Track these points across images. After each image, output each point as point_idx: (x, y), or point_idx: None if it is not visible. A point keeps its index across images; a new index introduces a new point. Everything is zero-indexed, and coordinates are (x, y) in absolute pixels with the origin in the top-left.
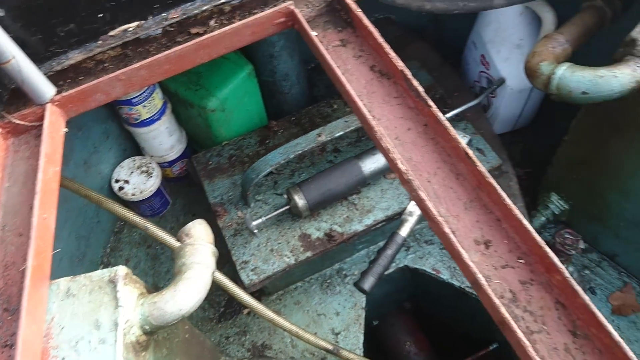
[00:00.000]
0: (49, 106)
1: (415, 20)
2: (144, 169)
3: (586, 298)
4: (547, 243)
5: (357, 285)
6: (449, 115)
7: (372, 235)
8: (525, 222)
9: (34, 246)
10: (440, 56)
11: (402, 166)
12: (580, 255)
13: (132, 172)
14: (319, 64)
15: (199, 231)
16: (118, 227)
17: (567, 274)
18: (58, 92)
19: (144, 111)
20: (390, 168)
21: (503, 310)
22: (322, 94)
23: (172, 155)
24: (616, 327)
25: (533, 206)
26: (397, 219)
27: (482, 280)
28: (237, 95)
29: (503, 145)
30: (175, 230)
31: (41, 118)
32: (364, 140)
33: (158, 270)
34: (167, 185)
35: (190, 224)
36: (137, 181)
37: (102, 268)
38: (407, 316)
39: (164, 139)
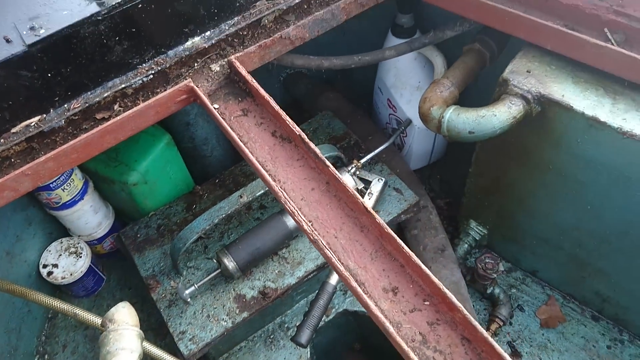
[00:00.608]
0: None
1: (326, 73)
2: (73, 249)
3: (484, 332)
4: (472, 269)
5: (294, 339)
6: (364, 159)
7: (307, 285)
8: (424, 266)
9: None
10: (351, 104)
11: (307, 227)
12: (505, 275)
13: (60, 255)
14: None
15: (123, 315)
16: (52, 313)
17: (466, 312)
18: None
19: (64, 194)
20: (298, 227)
21: (413, 355)
22: None
23: (101, 232)
24: (546, 340)
25: (457, 234)
26: (327, 267)
27: (391, 329)
28: (158, 165)
29: (421, 180)
30: (112, 306)
31: None
32: None
33: (98, 352)
34: (100, 262)
35: (113, 309)
36: (67, 263)
37: (38, 358)
38: (358, 356)
39: (90, 217)
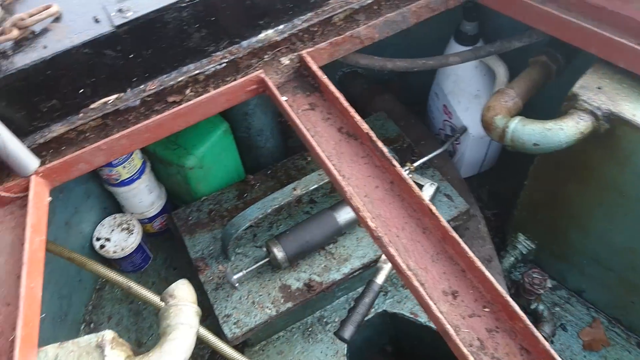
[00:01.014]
0: (33, 178)
1: (380, 73)
2: (125, 226)
3: (546, 344)
4: (517, 283)
5: (338, 334)
6: (417, 163)
7: (351, 282)
8: (487, 272)
9: (22, 316)
10: (405, 107)
11: (372, 224)
12: (550, 293)
13: (112, 230)
14: None
15: (183, 291)
16: (100, 284)
17: (528, 322)
18: (42, 164)
19: (124, 172)
20: (361, 223)
21: (472, 358)
22: (297, 144)
23: (152, 212)
24: None
25: (503, 246)
26: (373, 266)
27: (451, 331)
28: (214, 152)
29: (470, 189)
30: (157, 285)
31: (26, 189)
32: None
33: (141, 326)
34: (148, 240)
35: (173, 285)
36: (118, 238)
37: (84, 326)
38: (389, 359)
39: (144, 196)
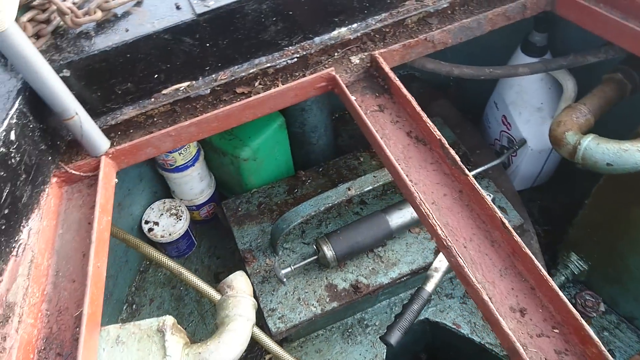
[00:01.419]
0: (103, 158)
1: (438, 78)
2: (174, 211)
3: None
4: None
5: (384, 339)
6: (473, 173)
7: (395, 287)
8: (560, 292)
9: (89, 294)
10: (461, 114)
11: (441, 232)
12: (599, 317)
13: (161, 214)
14: (343, 113)
15: (241, 283)
16: (144, 266)
17: (602, 347)
18: (111, 145)
19: (179, 158)
20: (428, 232)
21: None
22: (346, 143)
23: (201, 199)
24: None
25: (552, 264)
26: (421, 272)
27: (520, 349)
28: (268, 145)
29: (523, 203)
30: (200, 272)
31: (95, 169)
32: (389, 193)
33: (182, 312)
34: (194, 227)
35: (232, 276)
36: (167, 223)
37: (127, 307)
38: None
39: (195, 184)
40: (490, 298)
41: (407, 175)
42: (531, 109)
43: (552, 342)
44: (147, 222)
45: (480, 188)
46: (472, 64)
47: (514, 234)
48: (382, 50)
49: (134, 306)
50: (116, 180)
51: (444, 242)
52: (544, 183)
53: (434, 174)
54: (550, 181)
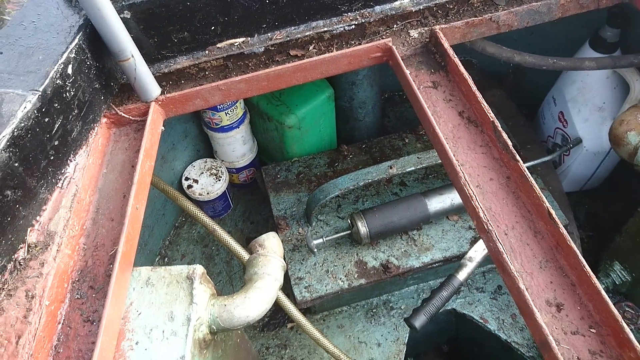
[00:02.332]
0: (153, 104)
1: (495, 67)
2: (214, 171)
3: None
4: None
5: (408, 321)
6: None
7: (425, 273)
8: (603, 292)
9: (125, 233)
10: (515, 106)
11: (482, 215)
12: (637, 331)
13: (202, 173)
14: (393, 94)
15: (273, 244)
16: (179, 222)
17: None
18: (162, 93)
19: (225, 118)
20: (470, 214)
21: None
22: (392, 124)
23: (242, 163)
24: None
25: (593, 271)
26: (454, 261)
27: (553, 343)
28: (314, 115)
29: (569, 203)
30: (232, 235)
31: (144, 114)
32: (431, 177)
33: (211, 271)
34: (232, 190)
35: (264, 236)
36: (206, 182)
37: (159, 259)
38: (444, 358)
39: (238, 146)
40: (526, 288)
41: (454, 155)
42: (592, 107)
43: (587, 341)
44: (187, 179)
45: (530, 175)
46: (532, 52)
47: (561, 226)
48: (444, 26)
49: (165, 259)
50: (163, 127)
51: (485, 226)
52: (594, 187)
53: (482, 156)
54: (602, 186)
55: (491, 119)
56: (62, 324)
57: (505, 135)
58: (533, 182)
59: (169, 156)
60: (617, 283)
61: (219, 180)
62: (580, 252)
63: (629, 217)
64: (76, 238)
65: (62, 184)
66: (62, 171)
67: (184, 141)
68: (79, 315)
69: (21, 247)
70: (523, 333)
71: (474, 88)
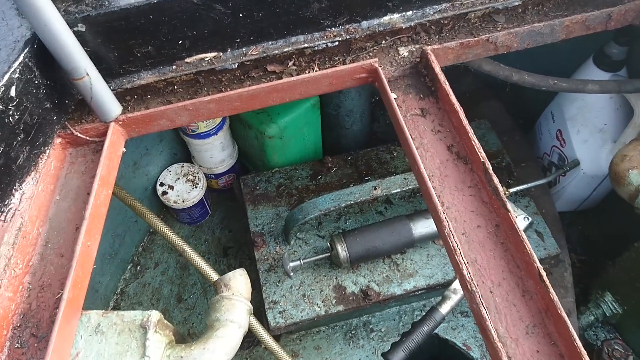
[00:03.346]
0: (112, 125)
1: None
2: (191, 177)
3: None
4: (592, 347)
5: (386, 356)
6: (514, 189)
7: (408, 297)
8: None
9: (73, 276)
10: (512, 120)
11: (467, 274)
12: None
13: (178, 179)
14: None
15: (239, 284)
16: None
17: None
18: (123, 111)
19: (202, 125)
20: (452, 266)
21: None
22: (383, 130)
23: (221, 169)
24: None
25: (583, 299)
26: (438, 289)
27: None
28: (297, 124)
29: (562, 228)
30: (210, 243)
31: (103, 134)
32: (418, 196)
33: (185, 282)
34: (210, 195)
35: (230, 274)
36: (182, 189)
37: (131, 266)
38: None
39: (216, 152)
40: (509, 357)
41: (439, 197)
42: (592, 128)
43: None
44: (162, 185)
45: (520, 228)
46: (534, 66)
47: (551, 289)
48: (435, 47)
49: (138, 267)
50: (124, 149)
51: (468, 286)
52: (589, 208)
53: (470, 199)
54: (597, 207)
55: (482, 159)
56: None
57: (496, 180)
58: (524, 236)
59: (142, 162)
60: (607, 315)
61: (196, 187)
62: (571, 281)
63: (623, 243)
64: (20, 277)
65: (5, 217)
66: (5, 203)
67: (159, 145)
68: None
69: None
70: None
71: (465, 121)
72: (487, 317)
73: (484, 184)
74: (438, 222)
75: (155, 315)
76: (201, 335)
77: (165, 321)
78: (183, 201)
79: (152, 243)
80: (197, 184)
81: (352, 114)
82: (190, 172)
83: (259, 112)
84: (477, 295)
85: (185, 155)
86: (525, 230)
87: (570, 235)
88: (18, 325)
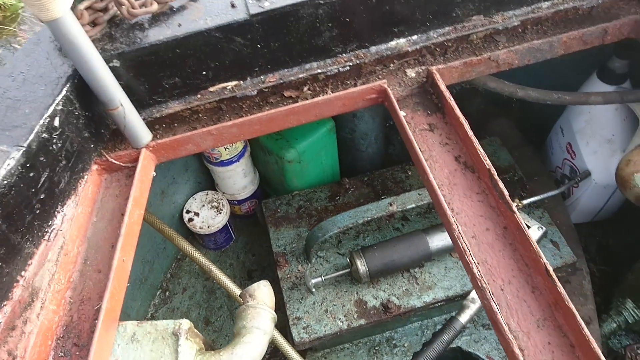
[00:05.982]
0: (143, 151)
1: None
2: (215, 204)
3: None
4: (616, 353)
5: None
6: (527, 201)
7: (429, 310)
8: (603, 357)
9: (110, 288)
10: (522, 136)
11: (477, 272)
12: None
13: (203, 206)
14: None
15: (263, 294)
16: (181, 254)
17: None
18: (153, 138)
19: (225, 152)
20: (464, 267)
21: None
22: (397, 152)
23: (243, 195)
24: None
25: (604, 308)
26: (457, 300)
27: None
28: (315, 148)
29: (579, 238)
30: (234, 267)
31: (135, 160)
32: (434, 212)
33: (212, 305)
34: (234, 221)
35: (255, 285)
36: (207, 215)
37: (160, 292)
38: None
39: (239, 179)
40: (522, 350)
41: (448, 204)
42: (600, 139)
43: None
44: (188, 212)
45: (526, 228)
46: (539, 84)
47: (558, 283)
48: (440, 66)
49: (167, 293)
50: (154, 173)
51: (478, 283)
52: (606, 218)
53: (478, 205)
54: (614, 217)
55: (487, 167)
56: None
57: (501, 184)
58: (529, 235)
59: (169, 190)
60: (630, 322)
61: (220, 213)
62: (590, 289)
63: None
64: (62, 292)
65: (49, 236)
66: (49, 224)
67: (185, 174)
68: None
69: (5, 305)
70: None
71: (470, 133)
72: (497, 311)
73: (491, 189)
74: (448, 226)
75: (186, 323)
76: (229, 342)
77: (195, 330)
78: (208, 227)
79: (179, 269)
80: (222, 210)
81: (366, 137)
82: (214, 199)
83: (278, 138)
84: (488, 292)
85: (209, 183)
86: (539, 240)
87: (589, 246)
88: (61, 336)
